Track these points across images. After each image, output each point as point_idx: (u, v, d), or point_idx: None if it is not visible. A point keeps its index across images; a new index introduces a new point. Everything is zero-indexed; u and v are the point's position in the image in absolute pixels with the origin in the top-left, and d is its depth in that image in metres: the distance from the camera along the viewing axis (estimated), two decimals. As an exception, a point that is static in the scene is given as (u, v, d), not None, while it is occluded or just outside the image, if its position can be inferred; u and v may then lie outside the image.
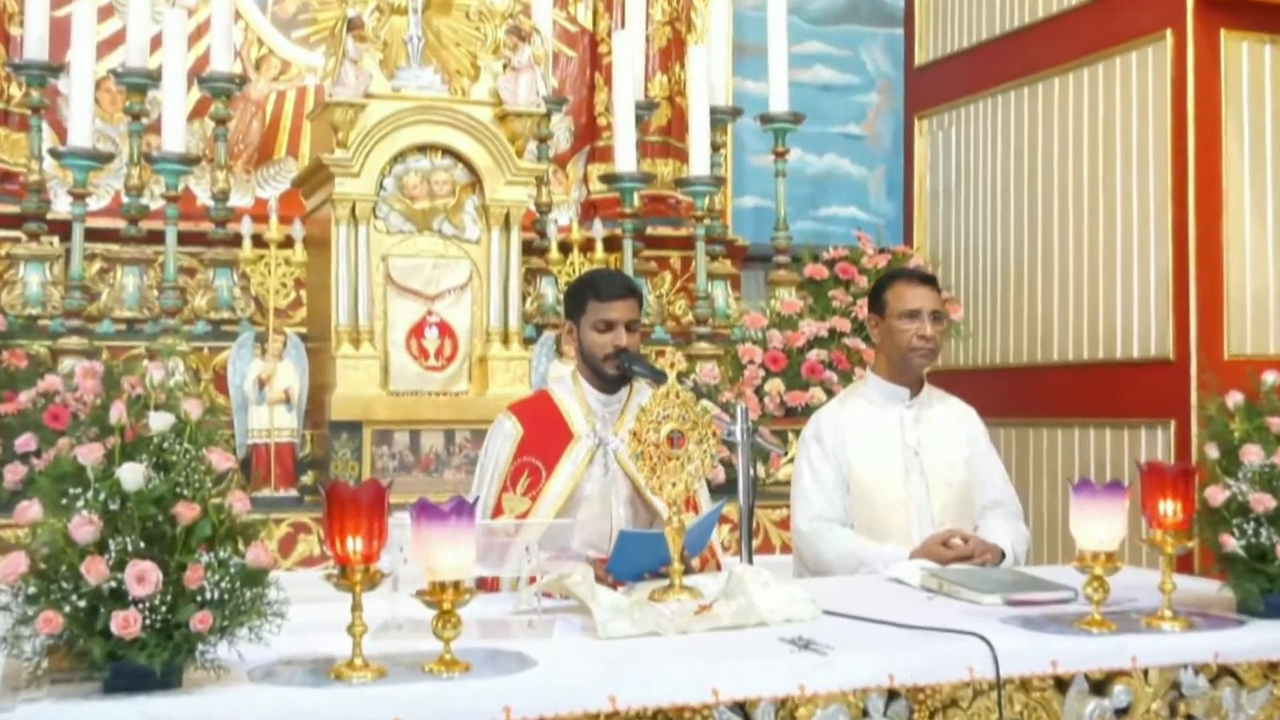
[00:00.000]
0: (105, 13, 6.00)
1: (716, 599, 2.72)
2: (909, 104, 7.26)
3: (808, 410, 5.81)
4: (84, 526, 2.05)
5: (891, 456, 3.74)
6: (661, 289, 6.39)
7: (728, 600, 2.69)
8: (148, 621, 2.05)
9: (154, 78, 5.61)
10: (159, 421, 2.16)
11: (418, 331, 5.33)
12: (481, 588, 3.21)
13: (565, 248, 5.98)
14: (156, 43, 5.68)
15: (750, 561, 3.11)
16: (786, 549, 5.54)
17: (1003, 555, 3.62)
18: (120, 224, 5.69)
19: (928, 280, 3.82)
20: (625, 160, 5.89)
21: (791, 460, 5.83)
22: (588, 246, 6.02)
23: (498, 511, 3.42)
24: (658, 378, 3.28)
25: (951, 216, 6.90)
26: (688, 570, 2.96)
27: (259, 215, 5.62)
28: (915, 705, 2.41)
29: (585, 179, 6.70)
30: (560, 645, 2.51)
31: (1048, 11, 6.28)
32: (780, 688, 2.33)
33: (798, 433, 5.99)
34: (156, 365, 2.25)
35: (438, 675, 2.21)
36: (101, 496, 2.08)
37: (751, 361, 5.88)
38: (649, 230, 6.33)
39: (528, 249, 5.82)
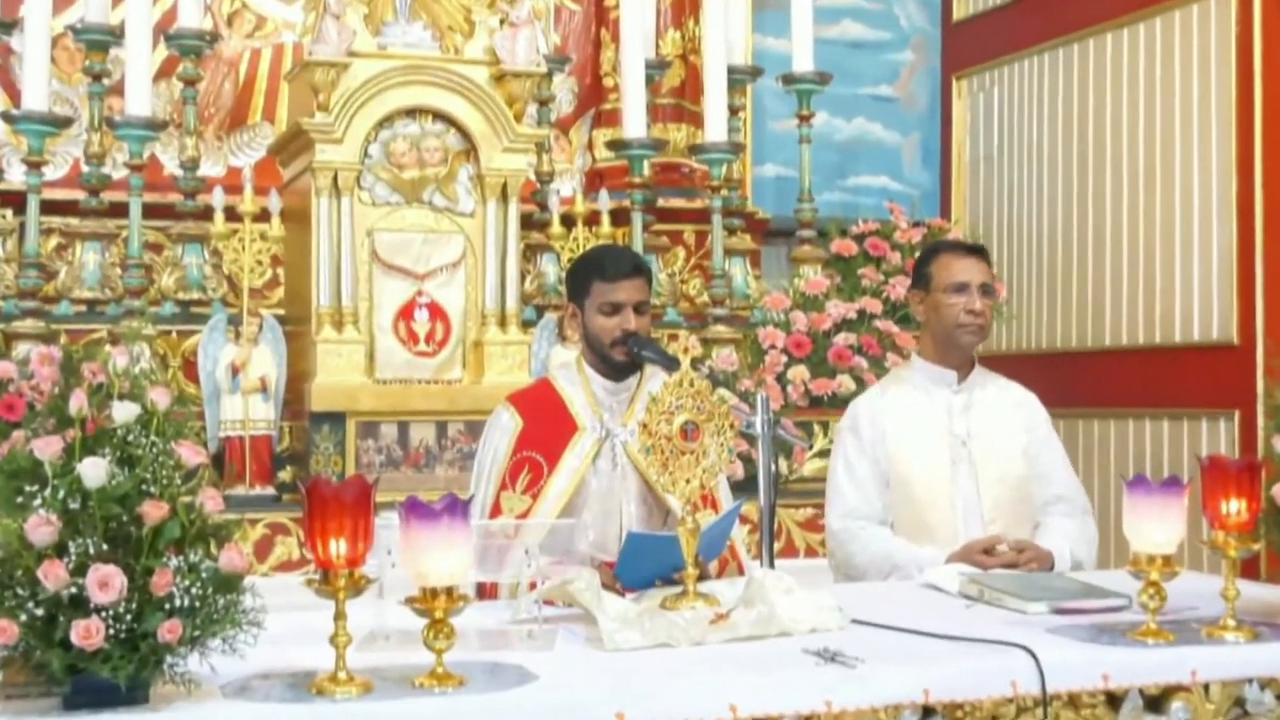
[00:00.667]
0: (63, -37, 6.01)
1: (734, 607, 2.72)
2: (946, 63, 7.24)
3: (834, 400, 5.81)
4: (41, 527, 2.05)
5: (936, 448, 3.74)
6: (674, 267, 6.38)
7: (747, 608, 2.70)
8: (111, 631, 2.05)
9: (116, 34, 5.60)
10: (123, 412, 2.16)
11: (406, 313, 5.33)
12: (478, 595, 3.22)
13: (568, 221, 5.98)
14: (119, -4, 5.69)
15: (772, 565, 3.11)
16: (811, 552, 5.54)
17: (1052, 562, 3.61)
18: (79, 195, 5.70)
19: (976, 251, 3.82)
20: (634, 125, 5.88)
21: (817, 455, 5.84)
22: (593, 220, 6.01)
23: (495, 511, 3.42)
24: (670, 364, 3.28)
25: (993, 187, 6.89)
26: (703, 576, 2.96)
27: (232, 186, 5.62)
28: (953, 724, 2.41)
29: (590, 146, 6.69)
30: (563, 658, 2.51)
31: (1100, -40, 6.26)
32: (804, 704, 2.33)
33: (824, 424, 6.05)
34: (120, 350, 2.25)
35: (429, 690, 2.21)
36: (60, 494, 2.08)
37: (773, 346, 5.88)
38: (660, 202, 6.33)
39: (527, 222, 5.82)
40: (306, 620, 2.48)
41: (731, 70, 6.15)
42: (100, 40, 5.63)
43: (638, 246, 5.78)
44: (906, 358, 5.90)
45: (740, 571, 3.42)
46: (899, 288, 6.14)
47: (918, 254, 6.29)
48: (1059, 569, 3.58)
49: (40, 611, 2.04)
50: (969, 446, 3.74)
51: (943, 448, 3.74)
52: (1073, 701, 2.49)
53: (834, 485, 3.81)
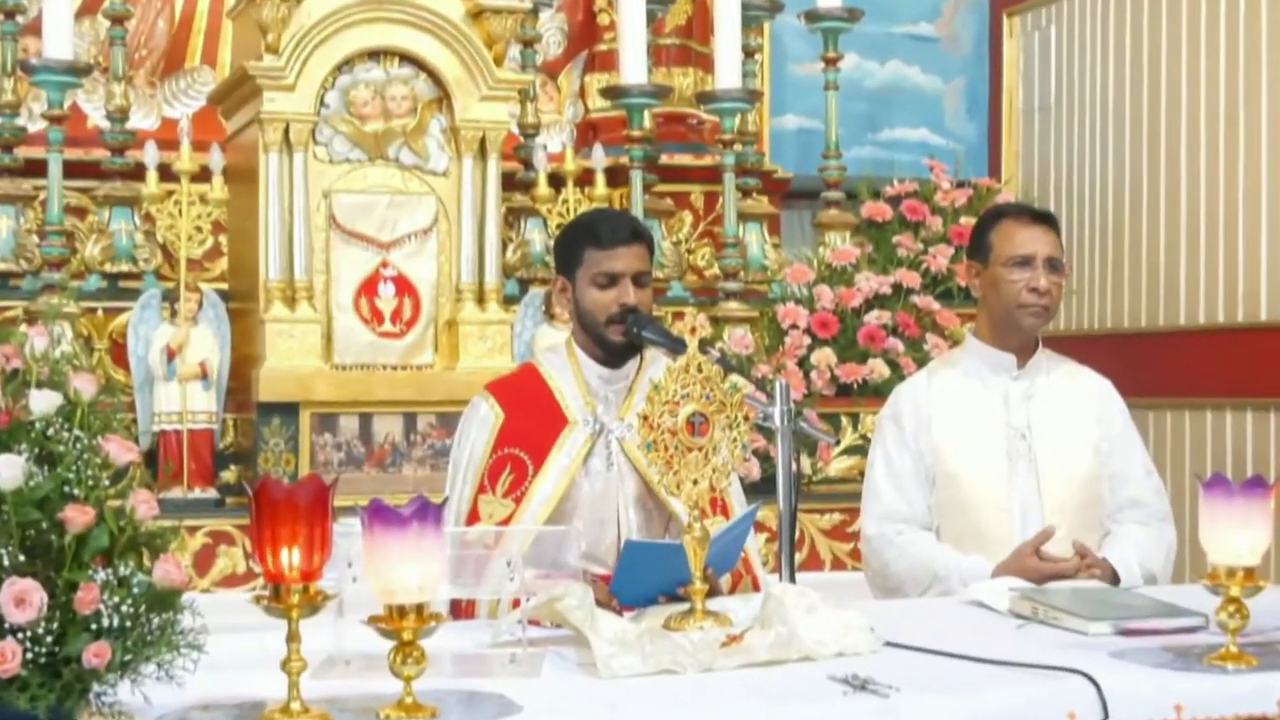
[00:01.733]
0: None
1: (749, 628, 2.73)
2: (996, -3, 7.24)
3: (865, 389, 5.82)
4: (-52, 535, 2.06)
5: (991, 442, 3.74)
6: (680, 233, 6.38)
7: (764, 629, 2.70)
8: (29, 655, 2.05)
9: (32, -36, 5.60)
10: (42, 403, 2.16)
11: (369, 288, 5.33)
12: (452, 614, 3.22)
13: (557, 181, 5.97)
14: (35, -80, 5.68)
15: (792, 580, 3.11)
16: (839, 564, 5.55)
17: (1116, 577, 3.62)
18: (-10, 152, 5.70)
19: (1044, 219, 3.80)
20: (633, 70, 5.88)
21: (845, 452, 5.84)
22: (585, 179, 6.01)
23: (472, 517, 3.43)
24: (675, 346, 3.28)
25: (1050, 141, 6.88)
26: (713, 592, 2.97)
27: (167, 140, 5.62)
28: (1002, 762, 2.42)
29: (582, 93, 6.69)
30: (551, 686, 2.51)
31: (1174, -123, 6.25)
32: (830, 739, 2.34)
33: (853, 417, 6.05)
34: (38, 331, 2.25)
35: (396, 723, 2.22)
36: (-30, 497, 2.08)
37: (794, 326, 5.88)
38: (663, 159, 6.33)
39: (509, 183, 5.81)
40: (254, 643, 2.49)
41: (746, 6, 6.14)
42: (13, -29, 5.62)
43: (638, 210, 5.78)
44: (949, 339, 5.92)
45: (755, 587, 3.43)
46: (940, 258, 6.14)
47: (962, 219, 6.36)
48: (1125, 585, 3.58)
49: (-53, 633, 2.04)
50: (1029, 440, 3.75)
51: (999, 441, 3.74)
52: (1140, 736, 2.49)
53: (871, 484, 3.82)
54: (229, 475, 5.30)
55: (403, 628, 2.22)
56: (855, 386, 5.83)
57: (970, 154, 7.16)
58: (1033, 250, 3.72)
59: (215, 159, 5.44)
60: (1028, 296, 3.72)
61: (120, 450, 2.19)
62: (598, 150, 6.03)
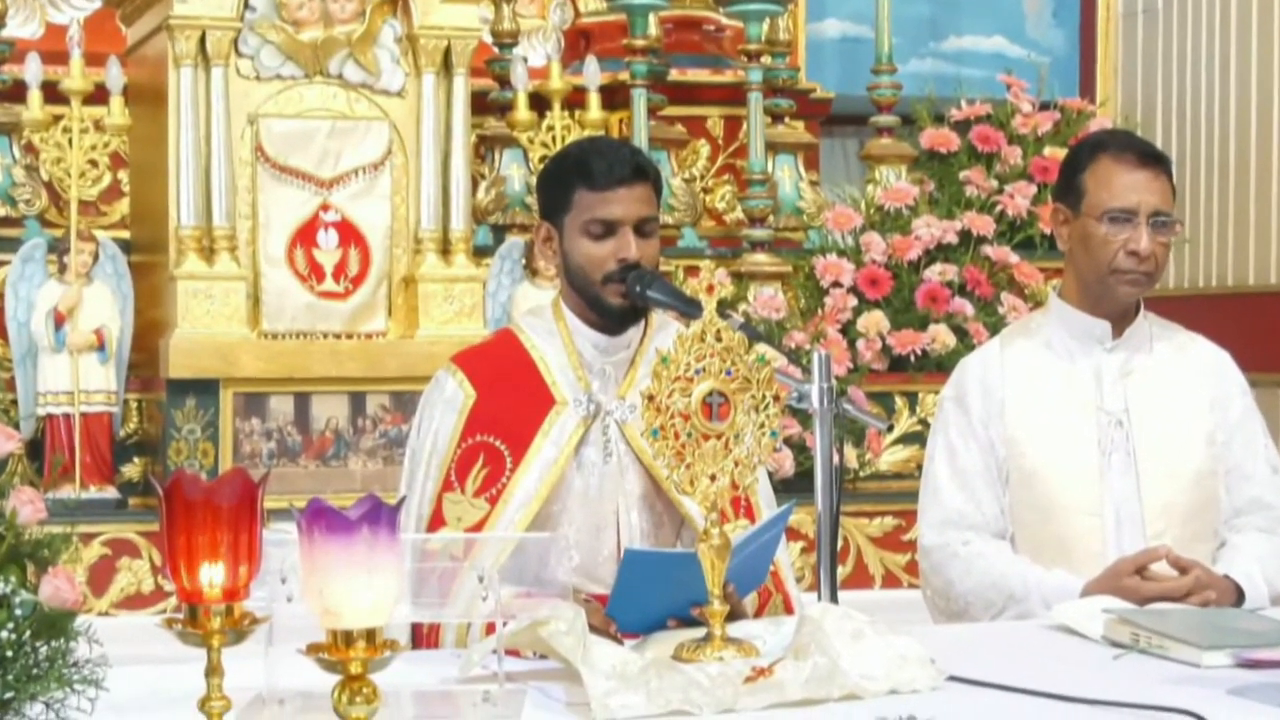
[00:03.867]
0: None
1: (780, 659, 2.73)
2: None
3: (924, 361, 5.82)
4: None
5: (1080, 430, 3.74)
6: (694, 168, 6.38)
7: (798, 661, 2.71)
8: (-113, 692, 2.06)
9: None
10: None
11: (306, 237, 5.33)
12: (411, 641, 3.23)
13: (540, 103, 5.96)
14: None
15: (834, 600, 3.12)
16: (892, 580, 5.56)
17: (1240, 595, 3.62)
18: None
19: (1152, 160, 3.76)
20: (635, -37, 5.88)
21: (899, 441, 5.83)
22: (575, 101, 6.00)
23: (436, 521, 3.43)
24: (688, 309, 3.28)
25: (1155, 53, 6.87)
26: (735, 615, 2.97)
27: (53, 53, 5.60)
28: (1093, 825, 2.43)
29: (571, -7, 6.68)
30: (534, 731, 2.52)
31: None
32: (881, 797, 2.35)
33: (909, 396, 6.02)
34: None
35: (342, 777, 2.23)
36: None
37: (837, 284, 5.88)
38: (673, 75, 6.31)
39: (480, 105, 5.80)
40: (165, 677, 2.49)
41: (777, -118, 6.13)
42: None
43: (641, 140, 5.78)
44: (1030, 300, 5.90)
45: (788, 608, 3.43)
46: (1018, 198, 6.13)
47: (1046, 150, 6.33)
48: (1250, 605, 3.58)
49: None
50: (1127, 428, 3.75)
51: (1089, 429, 3.74)
52: (1265, 791, 2.50)
53: (930, 482, 3.82)
54: (132, 470, 5.31)
55: (350, 659, 2.23)
56: (912, 359, 5.83)
57: (1057, 68, 7.14)
58: (1135, 201, 3.70)
59: (113, 76, 5.43)
60: (1125, 260, 3.69)
61: (-2, 438, 2.20)
62: (591, 64, 6.02)
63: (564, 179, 3.51)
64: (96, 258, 5.33)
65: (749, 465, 2.87)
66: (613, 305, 3.46)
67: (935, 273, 5.91)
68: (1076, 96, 6.86)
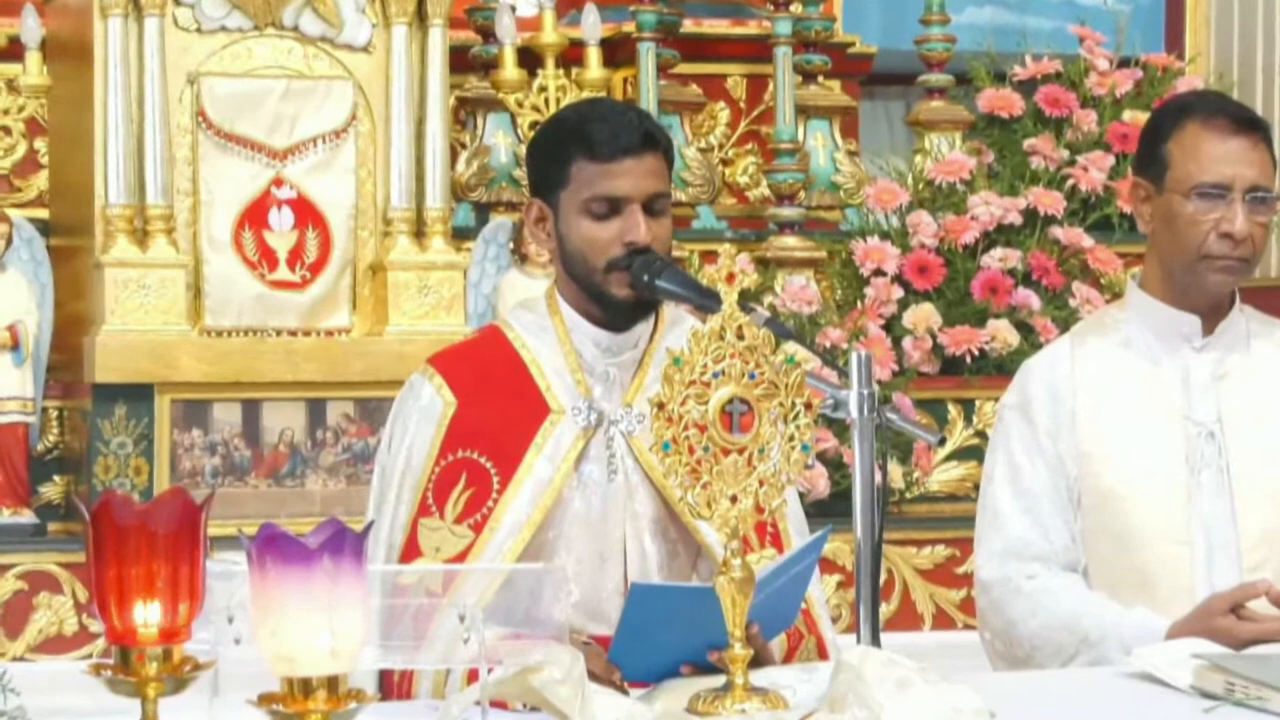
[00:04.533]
0: None
1: (814, 711, 2.74)
2: None
3: (983, 364, 5.82)
4: None
5: (1165, 443, 3.75)
6: (711, 136, 6.38)
7: (834, 714, 2.71)
8: None
9: None
10: None
11: (256, 217, 5.34)
12: (382, 691, 3.23)
13: (530, 59, 5.97)
14: None
15: (876, 643, 3.12)
16: (944, 619, 5.56)
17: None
18: None
19: (1249, 126, 3.77)
20: (643, -105, 5.90)
21: (953, 456, 5.83)
22: (572, 57, 6.00)
23: (411, 551, 3.44)
24: (705, 302, 3.28)
25: (1256, 1, 6.87)
26: (761, 660, 2.97)
27: (-41, 0, 5.62)
28: None
29: (567, -69, 6.69)
30: (525, 797, 2.53)
31: None
32: None
33: (965, 404, 6.01)
34: None
35: None
36: None
37: (879, 272, 5.88)
38: (687, 26, 6.32)
39: (460, 62, 5.81)
40: (92, 734, 2.49)
41: None
42: None
43: (650, 103, 5.78)
44: (1106, 291, 5.90)
45: (821, 653, 3.44)
46: (1094, 170, 6.13)
47: (1126, 114, 6.33)
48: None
49: None
50: (1220, 441, 3.76)
51: (1175, 442, 3.76)
52: None
53: (990, 505, 3.84)
54: (51, 491, 5.32)
55: (308, 710, 2.23)
56: (968, 360, 5.83)
57: (1139, 18, 7.15)
58: (1229, 175, 3.71)
59: (29, 28, 5.45)
60: (1217, 244, 3.70)
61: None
62: (590, 13, 6.03)
63: (560, 149, 3.52)
64: (9, 241, 5.34)
65: (776, 485, 2.87)
66: (617, 297, 3.47)
67: (995, 259, 5.92)
68: (1161, 51, 6.86)
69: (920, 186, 6.17)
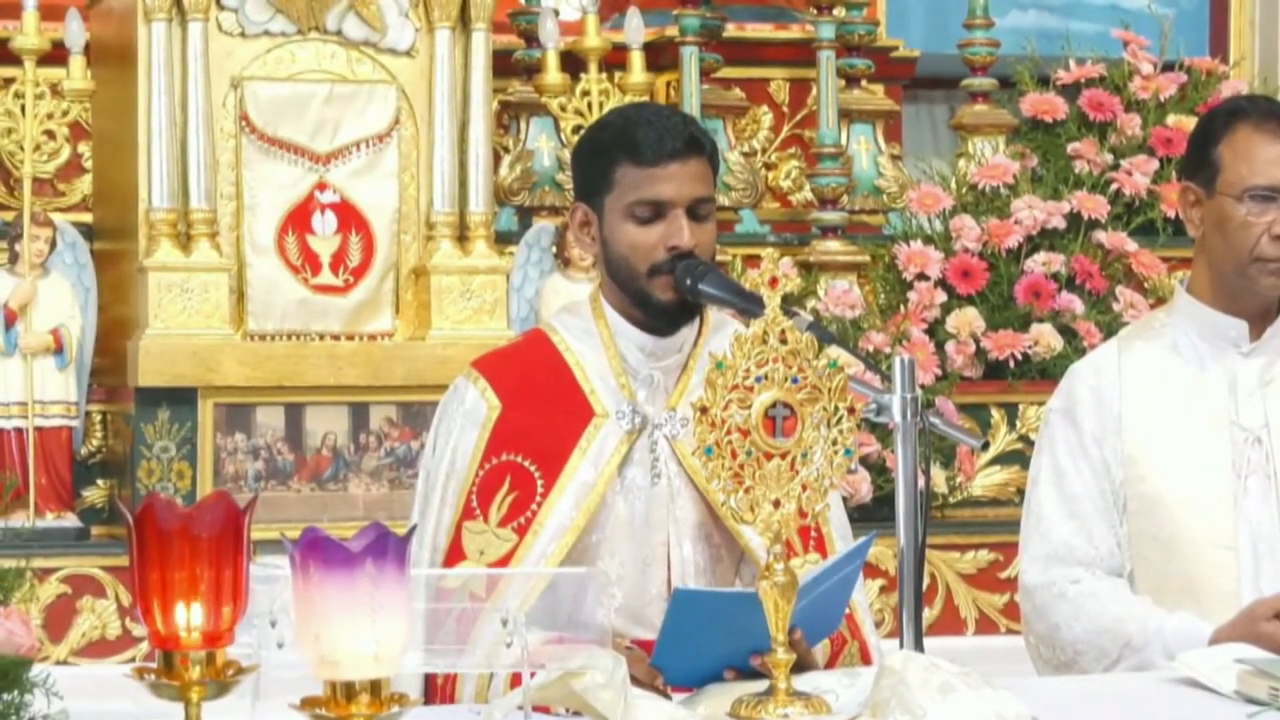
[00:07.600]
0: None
1: (857, 716, 2.73)
2: None
3: (1026, 368, 5.80)
4: None
5: (1212, 449, 3.74)
6: (754, 140, 6.37)
7: (878, 718, 2.71)
8: None
9: None
10: None
11: (299, 221, 5.34)
12: (425, 695, 3.22)
13: (573, 64, 5.97)
14: None
15: (919, 648, 3.12)
16: (988, 625, 5.55)
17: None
18: None
19: None
20: (685, -101, 5.89)
21: (996, 461, 5.81)
22: (615, 61, 5.99)
23: (455, 554, 3.44)
24: (748, 306, 3.28)
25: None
26: (804, 665, 2.97)
27: (3, 6, 5.62)
28: None
29: (611, -65, 6.69)
30: (568, 801, 2.53)
31: None
32: None
33: (1008, 409, 5.99)
34: None
35: None
36: None
37: (922, 276, 5.87)
38: (730, 31, 6.31)
39: (503, 67, 5.81)
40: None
41: None
42: None
43: (693, 107, 5.78)
44: (1151, 296, 5.88)
45: (865, 658, 3.44)
46: (1138, 175, 6.11)
47: (1171, 119, 6.30)
48: None
49: None
50: (1267, 446, 3.75)
51: (1222, 448, 3.75)
52: None
53: (1034, 509, 3.83)
54: (95, 495, 5.33)
55: (351, 714, 2.23)
56: (1011, 365, 5.82)
57: (1183, 22, 7.12)
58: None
59: (73, 32, 5.45)
60: (1269, 246, 3.70)
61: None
62: (634, 18, 6.02)
63: (604, 153, 3.52)
64: (54, 245, 5.34)
65: (819, 489, 2.87)
66: (661, 301, 3.47)
67: (1038, 263, 5.90)
68: (1206, 55, 6.83)
69: (963, 190, 6.16)
